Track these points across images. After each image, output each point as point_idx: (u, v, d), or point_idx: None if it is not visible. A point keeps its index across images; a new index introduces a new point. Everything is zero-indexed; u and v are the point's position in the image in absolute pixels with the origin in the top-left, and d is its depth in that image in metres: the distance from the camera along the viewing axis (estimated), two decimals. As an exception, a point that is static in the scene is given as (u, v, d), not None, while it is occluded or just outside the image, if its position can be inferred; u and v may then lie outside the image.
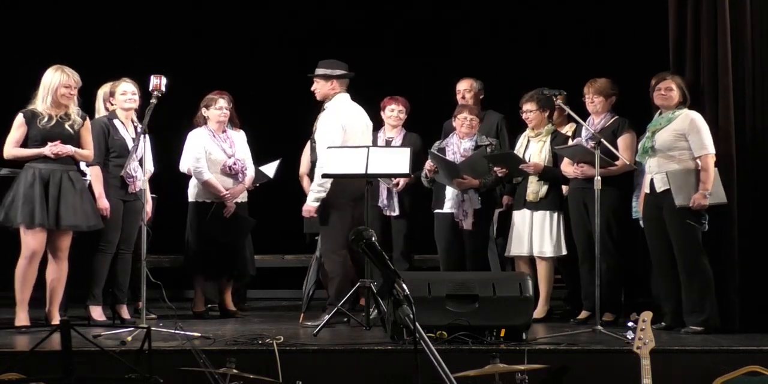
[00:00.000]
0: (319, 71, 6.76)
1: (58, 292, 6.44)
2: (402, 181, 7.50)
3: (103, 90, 7.00)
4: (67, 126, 6.35)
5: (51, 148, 6.26)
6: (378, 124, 7.55)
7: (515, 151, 7.12)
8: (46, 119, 6.29)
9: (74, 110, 6.41)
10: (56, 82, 6.31)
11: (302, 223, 7.61)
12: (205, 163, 7.24)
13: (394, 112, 7.56)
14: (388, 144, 7.51)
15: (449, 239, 7.23)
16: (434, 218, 7.34)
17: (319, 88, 6.77)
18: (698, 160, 6.20)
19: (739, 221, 6.39)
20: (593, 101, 6.83)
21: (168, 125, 7.31)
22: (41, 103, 6.32)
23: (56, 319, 6.33)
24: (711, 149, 6.21)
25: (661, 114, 6.40)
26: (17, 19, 8.86)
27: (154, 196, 7.28)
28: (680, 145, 6.24)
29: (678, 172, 6.23)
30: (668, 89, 6.33)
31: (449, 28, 9.34)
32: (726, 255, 6.38)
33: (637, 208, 6.68)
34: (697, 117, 6.29)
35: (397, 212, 7.57)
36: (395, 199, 7.55)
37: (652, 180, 6.36)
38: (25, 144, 6.34)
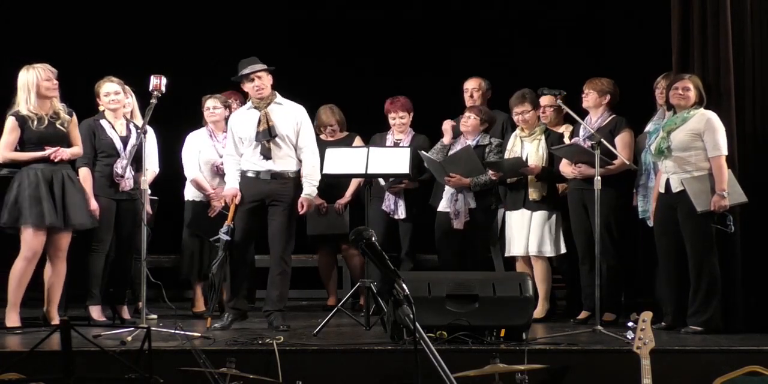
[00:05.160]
0: (257, 67, 6.52)
1: (57, 292, 6.43)
2: (401, 184, 7.48)
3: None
4: (58, 125, 6.33)
5: (52, 155, 6.22)
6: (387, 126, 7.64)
7: (507, 152, 7.08)
8: (37, 121, 6.24)
9: (61, 107, 6.37)
10: (33, 79, 6.24)
11: (305, 223, 7.59)
12: (195, 163, 7.28)
13: (395, 120, 7.56)
14: (396, 146, 7.48)
15: (443, 237, 7.25)
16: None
17: (266, 82, 6.54)
18: (710, 161, 6.19)
19: (742, 221, 6.38)
20: (587, 96, 6.83)
21: (167, 125, 7.32)
22: (24, 105, 6.26)
23: (55, 320, 6.32)
24: (724, 151, 6.19)
25: (675, 113, 6.35)
26: (16, 19, 8.85)
27: (155, 197, 7.26)
28: (696, 146, 6.21)
29: (694, 179, 6.20)
30: (686, 89, 6.28)
31: (450, 28, 9.33)
32: (730, 255, 6.36)
33: (644, 207, 6.67)
34: (713, 117, 6.25)
35: (403, 215, 7.53)
36: (401, 203, 7.51)
37: (668, 180, 6.32)
38: (20, 147, 6.28)
